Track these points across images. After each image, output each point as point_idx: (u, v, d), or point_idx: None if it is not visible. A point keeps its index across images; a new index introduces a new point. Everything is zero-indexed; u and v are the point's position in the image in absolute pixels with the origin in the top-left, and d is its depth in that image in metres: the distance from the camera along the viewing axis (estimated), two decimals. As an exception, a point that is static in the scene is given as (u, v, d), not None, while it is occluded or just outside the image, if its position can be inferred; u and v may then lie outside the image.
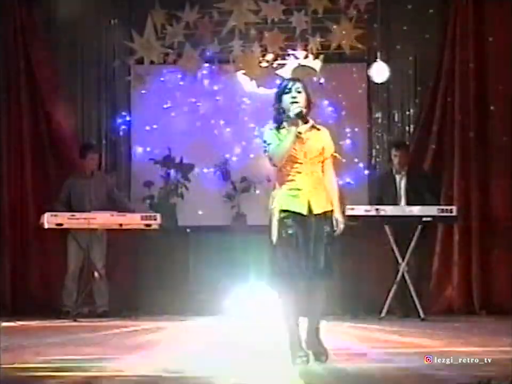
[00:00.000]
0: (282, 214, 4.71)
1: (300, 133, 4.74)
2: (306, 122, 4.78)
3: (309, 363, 4.66)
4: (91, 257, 8.83)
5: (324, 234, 4.70)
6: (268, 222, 4.83)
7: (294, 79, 4.91)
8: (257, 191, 9.70)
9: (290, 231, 4.68)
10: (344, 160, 5.02)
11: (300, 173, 4.75)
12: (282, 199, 4.75)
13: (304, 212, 4.71)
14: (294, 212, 4.71)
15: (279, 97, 4.83)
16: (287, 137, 4.72)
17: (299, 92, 4.78)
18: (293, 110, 4.73)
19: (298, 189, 4.74)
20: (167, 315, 8.74)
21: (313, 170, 4.77)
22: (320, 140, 4.82)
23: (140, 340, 6.34)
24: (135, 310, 8.99)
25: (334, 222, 4.75)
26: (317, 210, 4.72)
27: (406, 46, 9.84)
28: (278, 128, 4.81)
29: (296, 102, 4.75)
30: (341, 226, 4.76)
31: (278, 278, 4.75)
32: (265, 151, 4.81)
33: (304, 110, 4.76)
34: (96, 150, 9.30)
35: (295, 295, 4.72)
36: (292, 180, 4.75)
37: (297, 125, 4.74)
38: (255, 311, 8.77)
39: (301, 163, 4.75)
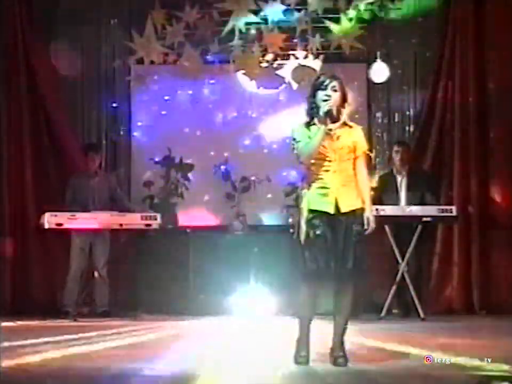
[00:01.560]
0: (310, 214, 4.67)
1: (330, 130, 4.68)
2: (335, 121, 4.71)
3: (308, 365, 4.67)
4: (92, 257, 8.84)
5: (353, 233, 4.64)
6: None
7: (333, 76, 4.80)
8: (258, 191, 9.71)
9: (318, 232, 4.62)
10: (372, 155, 4.95)
11: (328, 171, 4.68)
12: (310, 198, 4.70)
13: (331, 211, 4.65)
14: (321, 212, 4.66)
15: (314, 92, 4.76)
16: (316, 136, 4.66)
17: (335, 91, 4.71)
18: (323, 108, 4.68)
19: (326, 187, 4.67)
20: (167, 315, 8.74)
21: (343, 168, 4.70)
22: (351, 137, 4.74)
23: (139, 339, 6.34)
24: (135, 310, 8.98)
25: (365, 221, 4.70)
26: (344, 208, 4.66)
27: (406, 46, 9.84)
28: (308, 124, 4.76)
29: (328, 100, 4.68)
30: (372, 225, 4.71)
31: (303, 277, 4.72)
32: (293, 148, 4.77)
33: (335, 109, 4.68)
34: (98, 151, 9.29)
35: (314, 297, 4.70)
36: (320, 178, 4.69)
37: (326, 123, 4.66)
38: (255, 311, 8.77)
39: (330, 161, 4.68)
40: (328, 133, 4.67)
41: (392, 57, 9.79)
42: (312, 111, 4.75)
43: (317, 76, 4.92)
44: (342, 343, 4.70)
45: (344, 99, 4.75)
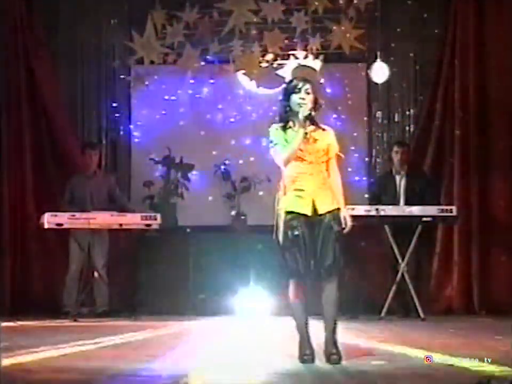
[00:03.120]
0: (288, 216, 4.75)
1: (306, 133, 4.77)
2: (314, 124, 4.82)
3: (314, 363, 4.69)
4: (91, 257, 8.84)
5: (331, 233, 4.73)
6: (272, 222, 4.86)
7: (304, 79, 4.89)
8: (258, 191, 9.72)
9: (296, 233, 4.71)
10: (343, 157, 5.04)
11: (304, 173, 4.78)
12: (288, 200, 4.79)
13: (309, 212, 4.74)
14: (299, 213, 4.74)
15: (287, 96, 4.84)
16: (295, 139, 4.75)
17: (308, 93, 4.80)
18: (302, 112, 4.75)
19: (303, 190, 4.77)
20: (167, 315, 8.74)
21: (318, 170, 4.81)
22: (325, 139, 4.85)
23: (140, 339, 6.34)
24: (135, 310, 8.98)
25: (342, 220, 4.78)
26: (322, 210, 4.76)
27: (406, 45, 9.85)
28: (284, 127, 4.84)
29: (305, 104, 4.77)
30: (349, 224, 4.79)
31: (287, 279, 4.78)
32: (271, 151, 4.83)
33: (313, 112, 4.78)
34: (95, 148, 9.30)
35: (304, 295, 4.78)
36: (297, 181, 4.79)
37: (304, 127, 4.76)
38: (255, 311, 8.77)
39: (306, 164, 4.78)
40: (304, 136, 4.76)
41: (392, 57, 9.79)
42: (287, 115, 4.86)
43: (288, 80, 5.00)
44: (334, 340, 4.76)
45: (316, 102, 4.85)
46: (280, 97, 4.92)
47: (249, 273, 9.04)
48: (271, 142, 4.82)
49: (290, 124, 4.83)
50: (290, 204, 4.77)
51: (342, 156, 5.02)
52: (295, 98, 4.80)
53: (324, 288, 4.78)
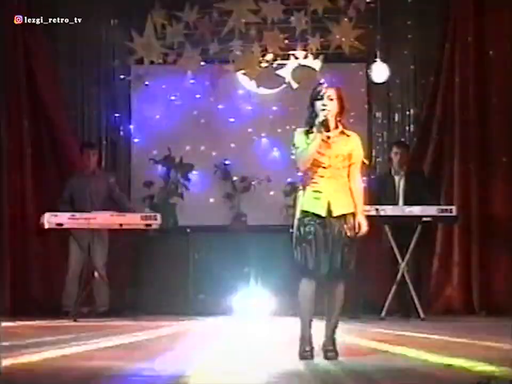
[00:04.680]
0: (302, 214, 4.88)
1: (328, 137, 4.88)
2: (328, 130, 4.89)
3: (313, 359, 4.71)
4: (91, 257, 8.83)
5: (342, 236, 4.83)
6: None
7: (329, 86, 5.02)
8: (258, 191, 9.72)
9: (307, 229, 4.84)
10: (367, 163, 5.13)
11: (322, 176, 4.90)
12: (305, 200, 4.92)
13: (323, 213, 4.85)
14: (313, 213, 4.85)
15: (312, 102, 4.95)
16: (312, 143, 4.85)
17: (331, 100, 4.90)
18: (320, 117, 4.85)
19: (320, 192, 4.88)
20: (167, 315, 8.74)
21: (337, 174, 4.91)
22: (347, 145, 4.95)
23: (139, 339, 6.34)
24: (135, 310, 8.98)
25: (356, 225, 4.87)
26: (336, 212, 4.86)
27: (405, 46, 9.86)
28: (308, 132, 4.94)
29: (326, 110, 4.85)
30: (364, 228, 4.88)
31: (297, 276, 4.89)
32: (292, 154, 4.98)
33: (331, 118, 4.88)
34: (94, 147, 9.29)
35: (312, 294, 4.86)
36: (315, 183, 4.90)
37: (321, 131, 4.85)
38: (255, 311, 8.77)
39: (324, 167, 4.88)
40: (325, 141, 4.89)
41: (392, 57, 9.79)
42: (311, 120, 4.96)
43: (314, 86, 5.09)
44: (333, 338, 4.92)
45: (341, 107, 4.95)
46: (308, 104, 5.02)
47: (249, 273, 9.04)
48: (293, 145, 4.97)
49: (314, 128, 4.91)
50: (306, 204, 4.89)
51: (366, 161, 5.10)
52: (318, 104, 4.90)
53: (331, 289, 4.91)
